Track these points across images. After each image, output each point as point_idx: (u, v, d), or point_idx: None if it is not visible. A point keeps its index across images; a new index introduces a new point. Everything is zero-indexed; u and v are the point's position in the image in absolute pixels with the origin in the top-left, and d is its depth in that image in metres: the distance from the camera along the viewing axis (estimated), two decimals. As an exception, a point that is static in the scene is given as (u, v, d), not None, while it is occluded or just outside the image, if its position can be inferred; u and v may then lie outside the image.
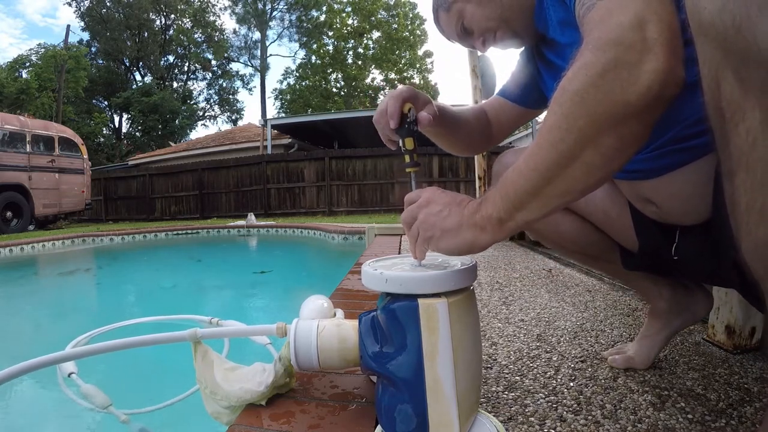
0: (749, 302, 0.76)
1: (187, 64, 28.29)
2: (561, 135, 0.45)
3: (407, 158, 0.71)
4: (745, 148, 0.39)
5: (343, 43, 27.32)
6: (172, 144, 19.85)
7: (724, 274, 0.63)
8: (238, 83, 29.12)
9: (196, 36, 27.01)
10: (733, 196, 0.45)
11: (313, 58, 27.51)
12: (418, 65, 27.96)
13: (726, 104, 0.41)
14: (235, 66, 28.81)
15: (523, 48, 0.85)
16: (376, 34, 27.37)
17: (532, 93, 0.87)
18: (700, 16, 0.39)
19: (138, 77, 27.11)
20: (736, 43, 0.37)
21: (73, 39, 24.37)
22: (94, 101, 24.52)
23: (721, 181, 0.56)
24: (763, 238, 0.39)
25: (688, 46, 0.53)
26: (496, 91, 0.97)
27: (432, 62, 27.66)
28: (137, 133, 24.27)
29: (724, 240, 0.57)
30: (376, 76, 28.58)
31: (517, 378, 0.84)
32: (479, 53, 3.99)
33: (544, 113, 0.59)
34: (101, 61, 25.36)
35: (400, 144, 0.72)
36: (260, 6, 26.14)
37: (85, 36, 25.00)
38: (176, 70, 28.54)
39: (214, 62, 27.59)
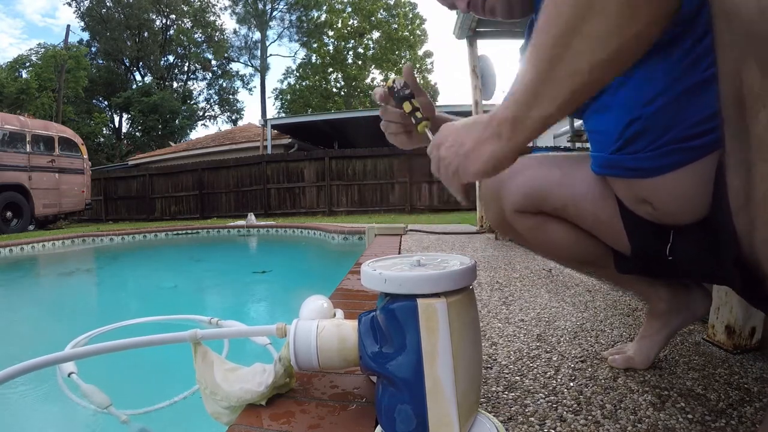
0: (749, 302, 0.76)
1: (187, 64, 28.30)
2: (557, 11, 0.43)
3: (413, 119, 0.70)
4: (766, 137, 0.38)
5: (343, 43, 27.32)
6: (172, 144, 19.86)
7: (723, 272, 0.63)
8: (238, 83, 29.18)
9: (196, 36, 27.01)
10: (749, 187, 0.44)
11: (313, 58, 27.52)
12: (418, 65, 27.95)
13: (747, 92, 0.40)
14: (235, 66, 28.87)
15: (522, 46, 0.85)
16: (376, 34, 27.39)
17: None
18: (724, 1, 0.39)
19: (138, 77, 27.16)
20: (762, 31, 0.36)
21: (73, 39, 24.40)
22: (94, 101, 24.51)
23: (722, 179, 0.56)
24: None
25: (703, 40, 0.52)
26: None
27: (432, 62, 27.71)
28: (137, 133, 24.27)
29: (724, 237, 0.57)
30: (376, 76, 28.61)
31: (517, 378, 0.84)
32: (479, 53, 3.99)
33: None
34: (101, 61, 25.37)
35: (405, 112, 0.71)
36: (260, 6, 26.15)
37: (85, 36, 25.06)
38: (176, 70, 28.54)
39: (214, 62, 27.61)
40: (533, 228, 0.83)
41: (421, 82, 25.50)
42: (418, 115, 0.69)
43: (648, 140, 0.61)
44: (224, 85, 28.99)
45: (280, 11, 26.95)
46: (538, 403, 0.74)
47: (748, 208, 0.47)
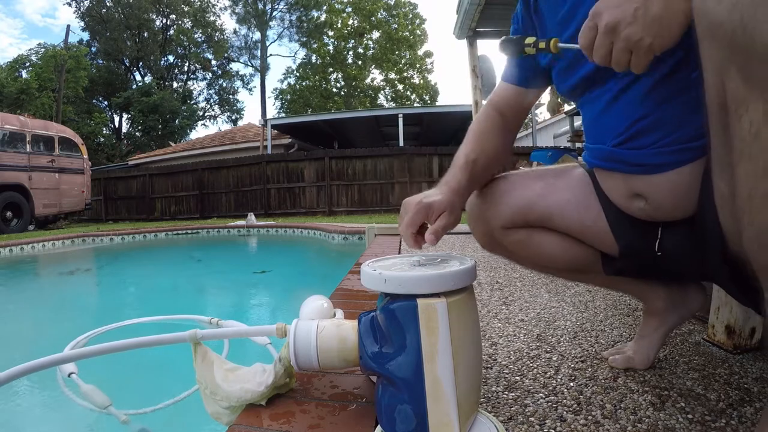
0: (736, 299, 0.76)
1: (187, 64, 28.28)
2: None
3: (544, 49, 0.63)
4: (748, 139, 0.41)
5: (343, 43, 27.32)
6: (172, 144, 19.85)
7: (711, 267, 0.63)
8: (238, 83, 29.14)
9: (196, 36, 26.99)
10: (734, 187, 0.46)
11: (314, 58, 27.52)
12: (418, 65, 27.97)
13: (730, 99, 0.43)
14: (235, 66, 28.84)
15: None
16: (376, 34, 27.40)
17: (534, 71, 0.83)
18: (709, 16, 0.42)
19: (138, 77, 27.13)
20: (742, 41, 0.39)
21: (73, 39, 24.34)
22: (94, 101, 24.50)
23: (708, 179, 0.57)
24: (766, 223, 0.41)
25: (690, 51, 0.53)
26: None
27: (432, 62, 27.73)
28: (137, 133, 24.26)
29: (711, 233, 0.58)
30: (376, 76, 28.64)
31: (517, 378, 0.84)
32: (479, 53, 3.99)
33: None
34: (101, 61, 25.33)
35: (534, 52, 0.65)
36: (260, 6, 26.13)
37: (85, 36, 25.02)
38: (176, 70, 28.52)
39: (214, 62, 27.59)
40: (522, 241, 0.83)
41: (421, 82, 25.21)
42: (541, 45, 0.63)
43: (656, 137, 0.62)
44: (224, 85, 28.99)
45: (280, 11, 26.95)
46: (538, 403, 0.74)
47: (733, 207, 0.48)
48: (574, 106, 0.82)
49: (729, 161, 0.47)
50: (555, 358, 0.93)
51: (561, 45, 0.60)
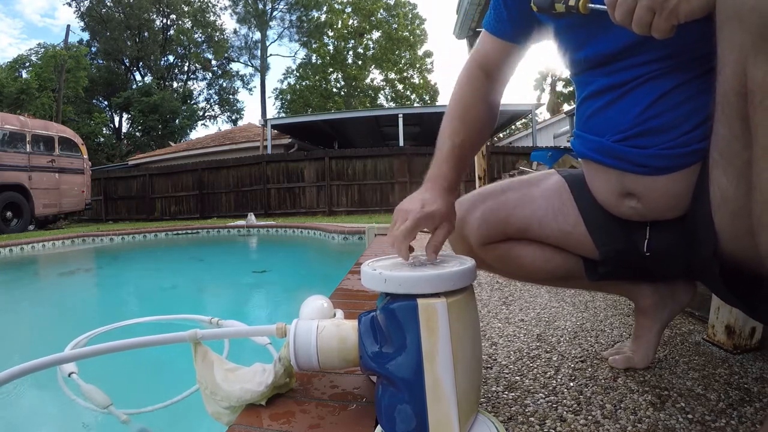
0: (723, 299, 0.75)
1: (187, 64, 28.27)
2: None
3: (573, 7, 0.59)
4: None
5: (343, 43, 27.32)
6: (172, 144, 19.84)
7: (701, 263, 0.62)
8: (238, 83, 29.13)
9: (196, 36, 26.99)
10: (739, 184, 0.45)
11: (314, 58, 27.52)
12: (418, 65, 27.96)
13: (755, 88, 0.42)
14: (235, 66, 28.83)
15: None
16: (376, 34, 27.40)
17: (527, 23, 0.74)
18: (741, 1, 0.41)
19: (138, 77, 27.13)
20: None
21: (73, 39, 24.30)
22: (94, 101, 24.49)
23: (704, 176, 0.56)
24: None
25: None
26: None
27: (432, 62, 27.67)
28: (137, 133, 24.25)
29: (703, 230, 0.57)
30: (376, 76, 28.64)
31: (517, 378, 0.84)
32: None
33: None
34: (101, 61, 25.33)
35: (566, 11, 0.60)
36: (260, 6, 26.13)
37: (85, 36, 25.01)
38: (176, 70, 28.51)
39: (214, 62, 27.59)
40: (502, 256, 0.81)
41: (421, 81, 25.09)
42: (571, 2, 0.59)
43: (665, 138, 0.60)
44: (224, 85, 28.98)
45: (280, 11, 26.95)
46: (538, 403, 0.74)
47: (735, 205, 0.46)
48: (574, 106, 0.79)
49: (743, 156, 0.45)
50: (555, 358, 0.93)
51: (591, 6, 0.57)
